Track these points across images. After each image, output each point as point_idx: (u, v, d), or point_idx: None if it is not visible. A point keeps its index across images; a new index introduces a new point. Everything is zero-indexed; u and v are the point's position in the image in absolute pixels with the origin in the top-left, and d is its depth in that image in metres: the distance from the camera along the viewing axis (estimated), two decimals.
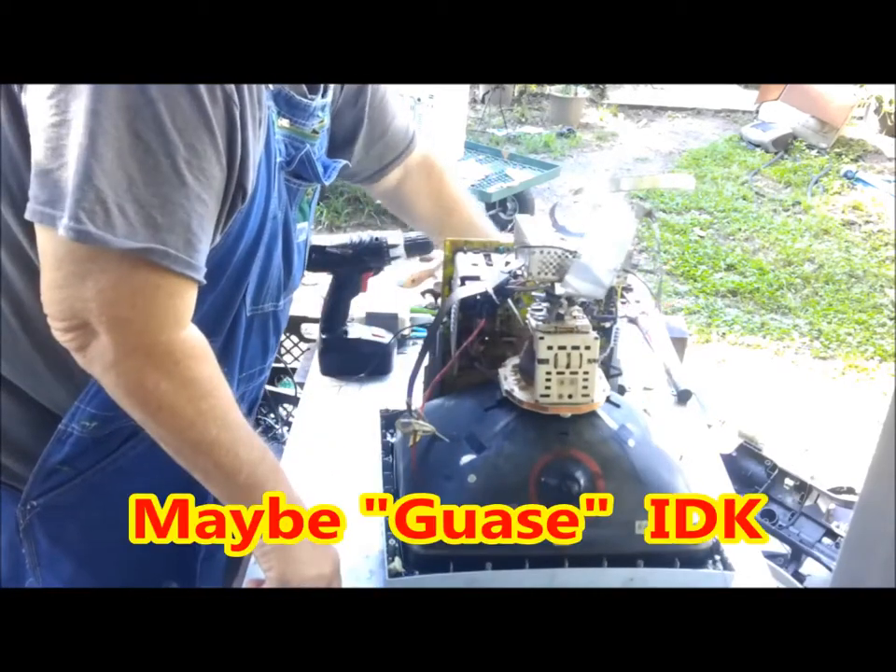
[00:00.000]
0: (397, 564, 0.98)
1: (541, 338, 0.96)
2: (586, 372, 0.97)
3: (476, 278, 1.08)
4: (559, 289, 0.97)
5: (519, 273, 1.01)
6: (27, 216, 0.84)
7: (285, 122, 1.02)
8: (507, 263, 1.06)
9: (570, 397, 0.98)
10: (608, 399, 1.04)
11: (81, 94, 0.80)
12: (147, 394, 0.89)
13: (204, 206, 0.87)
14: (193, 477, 1.00)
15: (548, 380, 0.97)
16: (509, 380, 1.03)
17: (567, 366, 0.97)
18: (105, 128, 0.80)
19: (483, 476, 0.98)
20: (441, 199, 1.41)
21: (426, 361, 1.11)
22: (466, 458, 1.00)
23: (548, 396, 0.98)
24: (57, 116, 0.82)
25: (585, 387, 0.98)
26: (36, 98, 0.83)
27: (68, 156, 0.81)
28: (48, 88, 0.82)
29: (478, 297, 1.04)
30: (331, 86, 1.10)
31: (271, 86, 0.97)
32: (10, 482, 1.06)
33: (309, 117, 1.05)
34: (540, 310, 1.01)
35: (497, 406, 1.03)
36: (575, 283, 0.94)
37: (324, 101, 1.08)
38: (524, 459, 0.98)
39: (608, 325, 1.13)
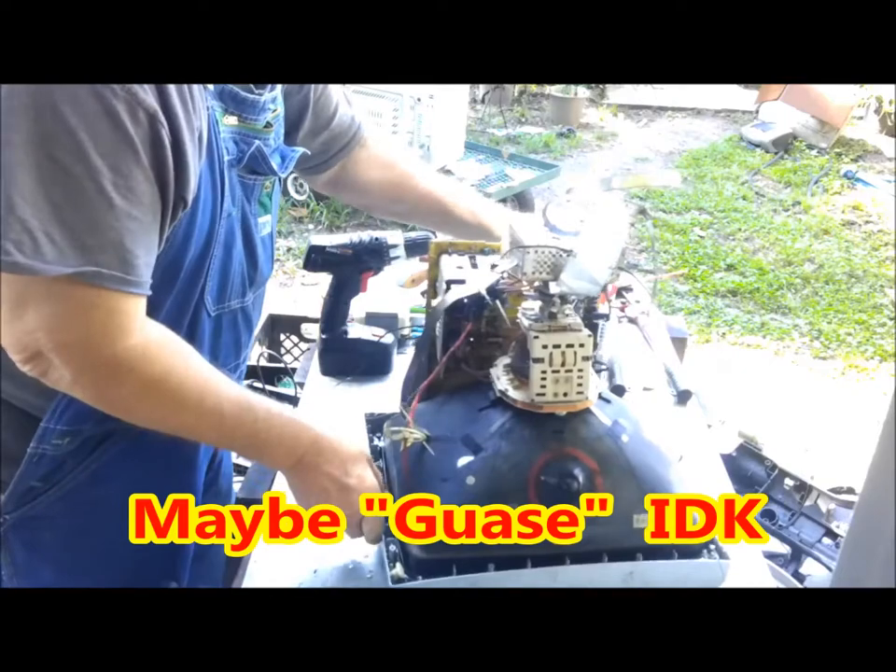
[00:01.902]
0: (399, 570, 0.98)
1: (536, 337, 0.96)
2: (580, 370, 0.97)
3: (461, 281, 1.07)
4: (553, 288, 0.97)
5: (511, 272, 1.01)
6: None
7: (233, 119, 1.01)
8: (493, 265, 1.06)
9: (565, 395, 0.98)
10: (599, 396, 1.04)
11: None
12: (114, 402, 0.94)
13: (137, 222, 0.87)
14: (166, 477, 1.03)
15: (543, 379, 0.97)
16: (502, 380, 1.03)
17: (563, 364, 0.97)
18: (21, 158, 0.80)
19: (482, 477, 0.98)
20: (390, 175, 1.37)
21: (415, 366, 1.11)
22: (463, 460, 0.99)
23: (543, 395, 0.98)
24: None
25: (580, 385, 0.98)
26: None
27: None
28: None
29: (465, 299, 1.03)
30: None
31: (211, 86, 0.96)
32: None
33: (259, 112, 1.04)
34: (532, 309, 1.01)
35: (492, 406, 1.03)
36: (570, 281, 0.94)
37: (273, 94, 1.07)
38: (521, 459, 0.98)
39: (601, 322, 1.13)
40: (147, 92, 0.84)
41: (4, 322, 0.87)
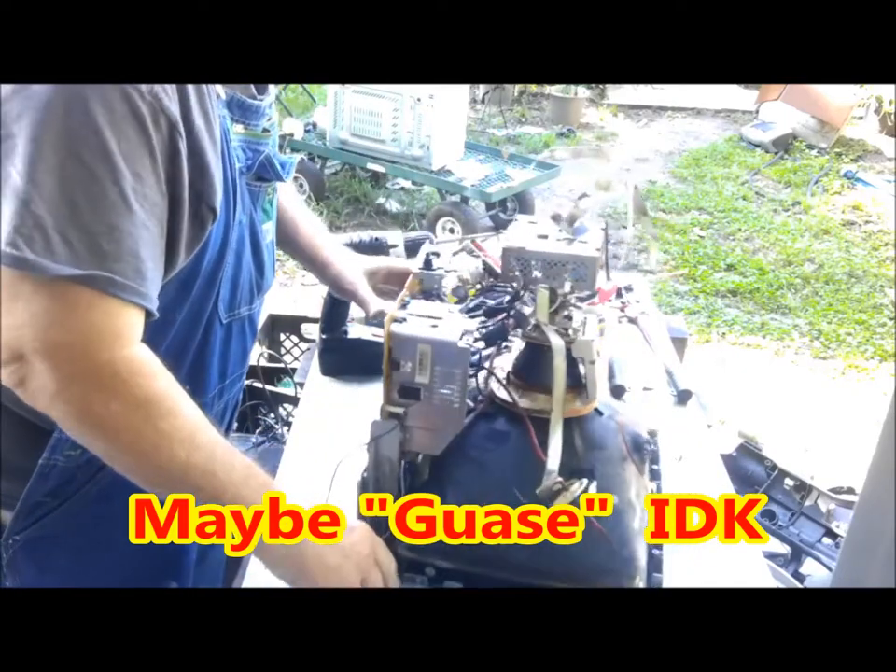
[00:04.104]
0: None
1: (591, 340, 0.94)
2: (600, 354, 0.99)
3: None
4: (566, 289, 0.96)
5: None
6: None
7: (239, 128, 1.01)
8: (478, 299, 1.03)
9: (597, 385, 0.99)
10: None
11: (23, 121, 0.79)
12: (99, 418, 0.83)
13: (149, 233, 0.85)
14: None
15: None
16: (539, 401, 0.99)
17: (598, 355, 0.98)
18: (46, 155, 0.78)
19: (614, 488, 0.96)
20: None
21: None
22: (590, 487, 0.97)
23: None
24: None
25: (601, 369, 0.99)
26: None
27: (8, 184, 0.79)
28: None
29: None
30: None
31: (223, 94, 0.96)
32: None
33: (260, 117, 1.05)
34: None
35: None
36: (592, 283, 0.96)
37: (269, 100, 1.07)
38: (615, 453, 0.99)
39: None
40: (171, 100, 0.83)
41: None
